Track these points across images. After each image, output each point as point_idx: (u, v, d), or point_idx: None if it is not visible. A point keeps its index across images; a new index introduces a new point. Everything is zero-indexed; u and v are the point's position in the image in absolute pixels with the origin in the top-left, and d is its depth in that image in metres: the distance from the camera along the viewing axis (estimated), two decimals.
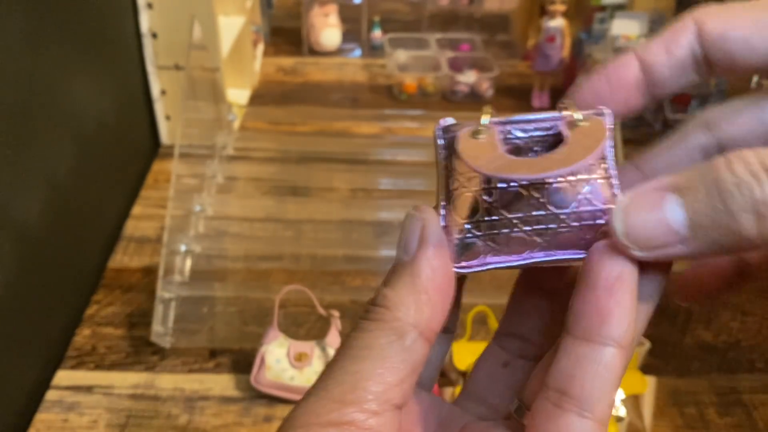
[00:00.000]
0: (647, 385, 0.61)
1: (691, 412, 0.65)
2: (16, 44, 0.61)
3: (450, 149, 0.20)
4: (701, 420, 0.64)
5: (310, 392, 0.19)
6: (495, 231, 0.20)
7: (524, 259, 0.20)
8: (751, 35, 0.20)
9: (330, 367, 0.19)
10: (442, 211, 0.20)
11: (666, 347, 0.71)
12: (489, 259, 0.20)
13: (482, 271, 0.20)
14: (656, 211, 0.18)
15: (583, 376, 0.18)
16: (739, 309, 0.76)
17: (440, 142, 0.21)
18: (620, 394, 0.59)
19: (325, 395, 0.18)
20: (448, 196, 0.20)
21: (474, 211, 0.20)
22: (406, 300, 0.19)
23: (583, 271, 0.19)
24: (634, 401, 0.60)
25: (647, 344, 0.64)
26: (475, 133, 0.20)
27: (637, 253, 0.18)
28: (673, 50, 0.21)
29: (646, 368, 0.65)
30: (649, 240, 0.18)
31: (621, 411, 0.58)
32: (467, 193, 0.20)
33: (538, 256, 0.20)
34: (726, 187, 0.17)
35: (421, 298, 0.19)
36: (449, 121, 0.21)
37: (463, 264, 0.20)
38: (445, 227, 0.20)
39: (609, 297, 0.18)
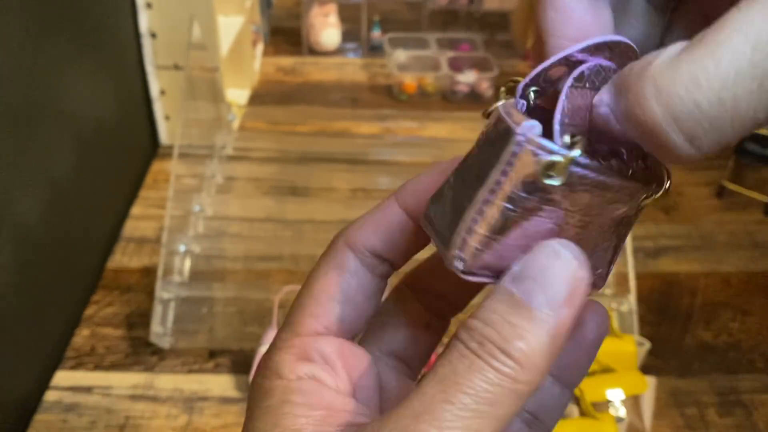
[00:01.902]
0: (647, 386, 0.60)
1: (692, 412, 0.65)
2: (15, 44, 0.61)
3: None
4: (701, 420, 0.64)
5: None
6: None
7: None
8: None
9: (443, 409, 0.16)
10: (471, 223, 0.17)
11: (666, 347, 0.71)
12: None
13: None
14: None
15: (556, 413, 0.21)
16: (740, 309, 0.76)
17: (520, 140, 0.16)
18: (620, 395, 0.59)
19: None
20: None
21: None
22: (541, 364, 0.16)
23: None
24: (634, 401, 0.60)
25: (647, 344, 0.64)
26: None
27: (688, 149, 0.14)
28: None
29: (646, 368, 0.65)
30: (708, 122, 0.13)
31: (621, 411, 0.58)
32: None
33: None
34: None
35: (550, 363, 0.16)
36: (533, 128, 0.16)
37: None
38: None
39: (588, 357, 0.21)
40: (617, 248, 0.19)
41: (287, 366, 0.19)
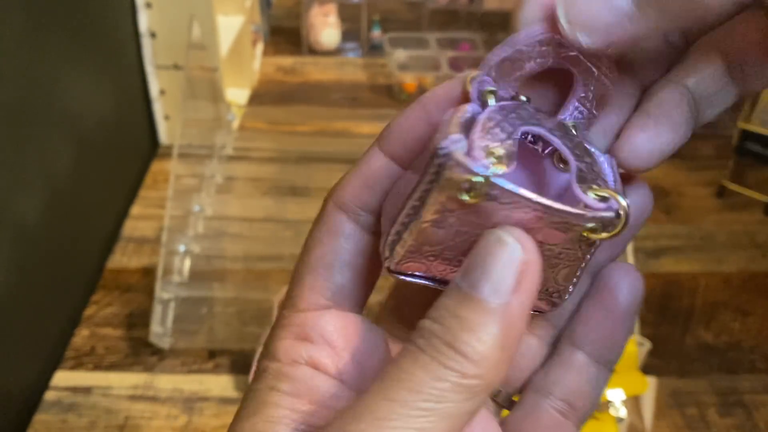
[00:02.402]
0: (648, 386, 0.60)
1: (692, 412, 0.65)
2: (15, 44, 0.61)
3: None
4: (702, 420, 0.64)
5: None
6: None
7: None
8: None
9: (385, 409, 0.15)
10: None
11: (667, 348, 0.71)
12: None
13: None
14: None
15: (593, 396, 0.20)
16: (740, 309, 0.76)
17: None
18: (621, 395, 0.59)
19: None
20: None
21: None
22: (494, 357, 0.15)
23: (602, 296, 0.20)
24: (634, 402, 0.60)
25: (648, 345, 0.64)
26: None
27: (585, 39, 0.16)
28: None
29: (646, 369, 0.65)
30: (595, 21, 0.16)
31: (621, 411, 0.58)
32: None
33: None
34: None
35: (508, 357, 0.15)
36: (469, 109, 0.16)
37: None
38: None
39: (624, 328, 0.20)
40: (577, 267, 0.18)
41: (283, 346, 0.18)
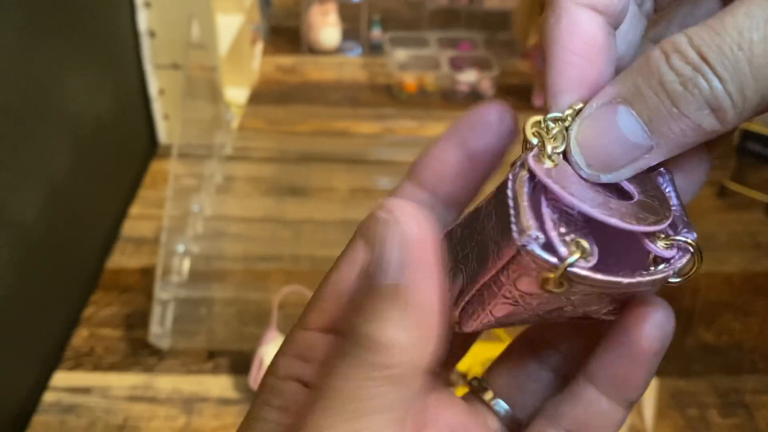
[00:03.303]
0: (648, 386, 0.60)
1: (693, 413, 0.64)
2: (13, 43, 0.60)
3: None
4: (703, 421, 0.64)
5: None
6: None
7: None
8: None
9: (319, 424, 0.15)
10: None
11: (667, 348, 0.71)
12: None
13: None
14: (612, 131, 0.16)
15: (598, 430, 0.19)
16: (741, 310, 0.76)
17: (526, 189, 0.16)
18: None
19: None
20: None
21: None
22: (407, 340, 0.15)
23: (620, 332, 0.19)
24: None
25: None
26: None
27: (608, 177, 0.17)
28: None
29: None
30: (615, 162, 0.16)
31: None
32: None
33: None
34: (673, 88, 0.15)
35: (425, 335, 0.15)
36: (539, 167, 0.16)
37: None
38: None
39: (644, 369, 0.19)
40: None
41: (282, 362, 0.18)
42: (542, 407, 0.21)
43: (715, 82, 0.15)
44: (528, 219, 0.16)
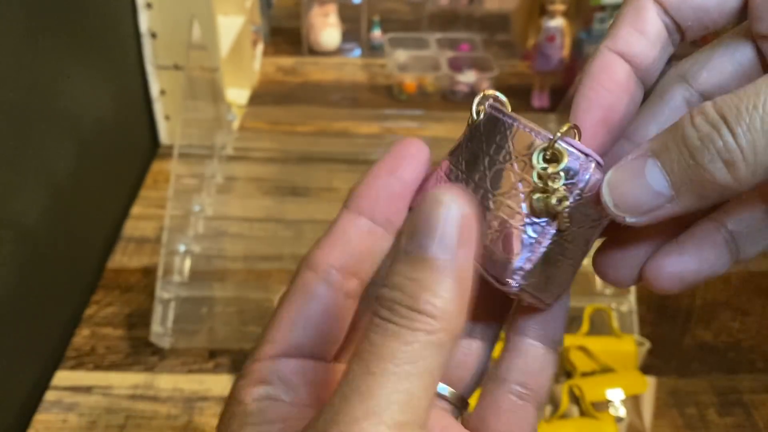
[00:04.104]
0: (647, 386, 0.60)
1: (692, 412, 0.65)
2: (15, 44, 0.61)
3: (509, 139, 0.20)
4: (701, 420, 0.64)
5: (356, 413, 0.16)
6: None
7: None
8: None
9: (370, 383, 0.16)
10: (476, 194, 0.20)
11: (666, 347, 0.71)
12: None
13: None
14: (639, 178, 0.18)
15: (545, 375, 0.22)
16: (740, 309, 0.76)
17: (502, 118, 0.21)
18: (620, 395, 0.59)
19: (378, 419, 0.16)
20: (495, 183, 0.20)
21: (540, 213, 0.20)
22: (454, 310, 0.17)
23: None
24: (634, 401, 0.60)
25: (647, 344, 0.64)
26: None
27: (631, 220, 0.19)
28: (645, 29, 0.21)
29: (646, 368, 0.65)
30: (639, 206, 0.18)
31: (621, 411, 0.58)
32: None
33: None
34: (692, 143, 0.17)
35: (465, 305, 0.17)
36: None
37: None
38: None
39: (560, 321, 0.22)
40: (575, 268, 0.21)
41: (244, 391, 0.20)
42: (490, 373, 0.23)
43: (728, 137, 0.16)
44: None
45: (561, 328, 0.22)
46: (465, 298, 0.17)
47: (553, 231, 0.20)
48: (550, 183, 0.19)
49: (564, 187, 0.19)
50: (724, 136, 0.17)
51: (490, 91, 0.22)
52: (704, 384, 0.67)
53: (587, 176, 0.19)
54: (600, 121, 0.21)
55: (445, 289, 0.16)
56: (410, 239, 0.17)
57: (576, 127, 0.21)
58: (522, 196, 0.20)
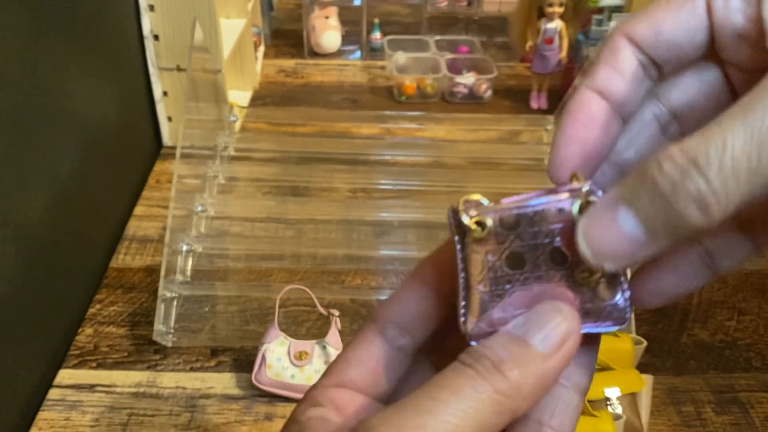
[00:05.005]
0: (644, 384, 0.61)
1: (688, 410, 0.65)
2: (19, 46, 0.61)
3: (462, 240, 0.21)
4: (698, 418, 0.65)
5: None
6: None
7: None
8: (685, 21, 0.20)
9: (428, 405, 0.18)
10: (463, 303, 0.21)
11: (663, 346, 0.72)
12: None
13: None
14: (613, 228, 0.19)
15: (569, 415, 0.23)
16: (736, 308, 0.77)
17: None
18: (617, 393, 0.59)
19: None
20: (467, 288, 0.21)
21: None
22: (526, 390, 0.18)
23: None
24: (631, 399, 0.61)
25: (644, 343, 0.65)
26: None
27: (610, 266, 0.19)
28: (621, 68, 0.21)
29: (643, 366, 0.65)
30: (617, 254, 0.19)
31: (618, 409, 0.59)
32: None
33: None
34: (664, 190, 0.17)
35: (535, 398, 0.19)
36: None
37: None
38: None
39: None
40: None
41: (301, 411, 0.22)
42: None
43: (700, 182, 0.17)
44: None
45: (589, 375, 0.23)
46: (539, 393, 0.19)
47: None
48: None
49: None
50: (696, 182, 0.17)
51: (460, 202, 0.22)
52: (701, 382, 0.68)
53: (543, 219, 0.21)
54: (577, 155, 0.22)
55: (530, 370, 0.18)
56: (518, 326, 0.20)
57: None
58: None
